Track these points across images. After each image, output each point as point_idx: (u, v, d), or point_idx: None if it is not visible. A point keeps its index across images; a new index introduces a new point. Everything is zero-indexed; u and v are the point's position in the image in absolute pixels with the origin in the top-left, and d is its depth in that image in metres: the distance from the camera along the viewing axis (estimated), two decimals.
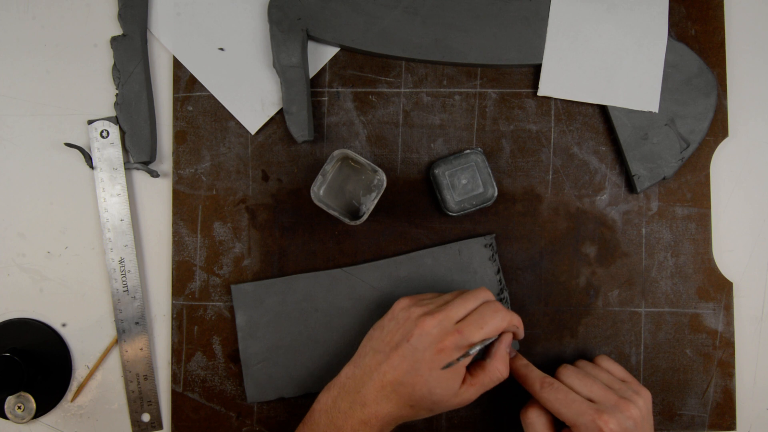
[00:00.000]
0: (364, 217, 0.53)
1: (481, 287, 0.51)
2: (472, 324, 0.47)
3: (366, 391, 0.47)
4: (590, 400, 0.49)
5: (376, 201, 0.54)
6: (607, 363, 0.54)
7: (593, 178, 0.58)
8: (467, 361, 0.48)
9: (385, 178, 0.54)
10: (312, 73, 0.58)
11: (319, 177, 0.54)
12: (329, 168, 0.54)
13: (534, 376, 0.51)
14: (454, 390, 0.47)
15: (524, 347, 0.57)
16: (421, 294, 0.52)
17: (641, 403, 0.49)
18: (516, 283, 0.58)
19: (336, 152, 0.53)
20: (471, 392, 0.48)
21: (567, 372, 0.52)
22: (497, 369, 0.49)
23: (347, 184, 0.55)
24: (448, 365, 0.46)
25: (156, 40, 0.59)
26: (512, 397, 0.57)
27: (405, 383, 0.46)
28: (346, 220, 0.53)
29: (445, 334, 0.46)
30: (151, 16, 0.58)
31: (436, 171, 0.56)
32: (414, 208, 0.58)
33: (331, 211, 0.53)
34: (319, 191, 0.54)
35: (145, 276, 0.58)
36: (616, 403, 0.48)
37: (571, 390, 0.50)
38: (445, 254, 0.57)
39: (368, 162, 0.54)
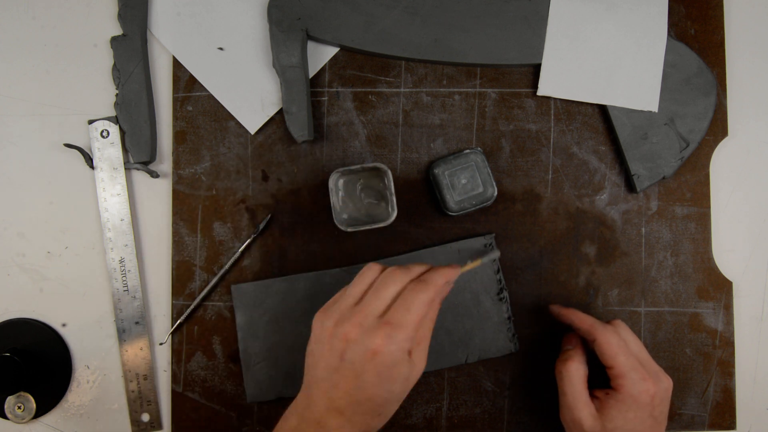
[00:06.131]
0: (395, 212, 0.54)
1: (369, 265, 0.47)
2: (398, 310, 0.44)
3: (327, 421, 0.44)
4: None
5: (393, 191, 0.55)
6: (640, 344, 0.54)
7: (593, 177, 0.58)
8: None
9: (387, 167, 0.54)
10: (312, 73, 0.58)
11: (334, 208, 0.55)
12: (336, 198, 0.55)
13: (594, 318, 0.51)
14: (407, 371, 0.44)
15: (524, 346, 0.57)
16: (333, 298, 0.47)
17: (670, 383, 0.50)
18: (516, 282, 0.58)
19: (330, 180, 0.55)
20: (421, 355, 0.45)
21: (624, 328, 0.51)
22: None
23: (356, 193, 0.56)
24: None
25: (156, 40, 0.59)
26: (512, 396, 0.57)
27: (360, 401, 0.43)
28: (382, 224, 0.54)
29: (374, 333, 0.43)
30: (151, 16, 0.58)
31: (436, 171, 0.56)
32: (414, 208, 0.58)
33: (365, 228, 0.55)
34: (343, 219, 0.55)
35: (145, 276, 0.58)
36: (657, 372, 0.50)
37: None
38: (445, 254, 0.57)
39: (361, 165, 0.54)
